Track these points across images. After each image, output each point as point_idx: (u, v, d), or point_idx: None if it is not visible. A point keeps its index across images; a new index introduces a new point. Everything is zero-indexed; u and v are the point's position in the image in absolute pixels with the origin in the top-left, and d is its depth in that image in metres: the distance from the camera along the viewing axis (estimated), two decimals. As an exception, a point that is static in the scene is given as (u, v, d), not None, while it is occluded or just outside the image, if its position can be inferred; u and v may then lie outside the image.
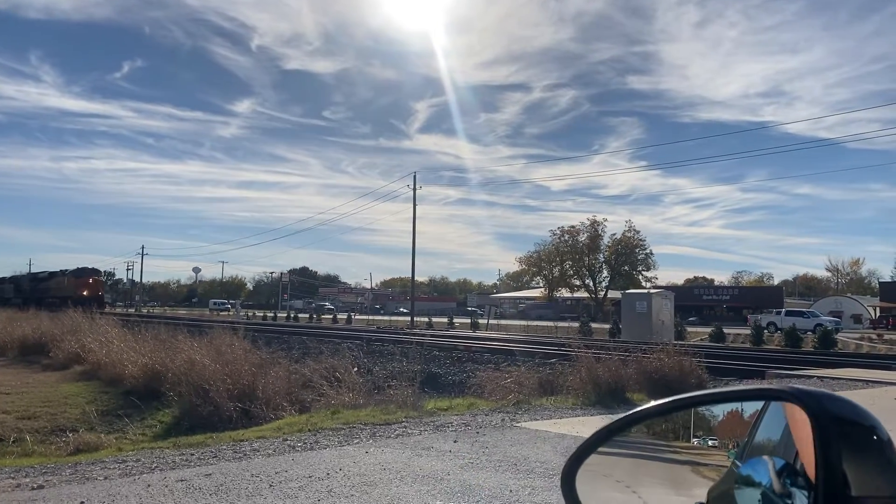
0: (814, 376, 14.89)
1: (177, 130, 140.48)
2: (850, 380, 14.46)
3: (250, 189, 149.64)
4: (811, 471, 0.89)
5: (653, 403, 1.17)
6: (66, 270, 78.23)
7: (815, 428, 0.91)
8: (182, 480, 6.14)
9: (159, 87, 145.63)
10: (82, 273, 77.41)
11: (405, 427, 8.96)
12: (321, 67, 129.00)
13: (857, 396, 11.67)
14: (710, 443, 1.12)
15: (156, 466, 6.85)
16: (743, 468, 0.99)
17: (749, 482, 0.96)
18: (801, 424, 0.93)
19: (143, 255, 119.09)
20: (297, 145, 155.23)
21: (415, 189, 62.43)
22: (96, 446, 11.14)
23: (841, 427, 0.90)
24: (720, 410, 1.12)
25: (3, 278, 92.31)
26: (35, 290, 77.28)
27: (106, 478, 6.40)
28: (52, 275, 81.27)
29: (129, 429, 13.70)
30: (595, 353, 12.62)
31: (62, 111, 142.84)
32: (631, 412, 1.18)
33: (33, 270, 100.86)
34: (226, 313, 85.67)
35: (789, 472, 0.94)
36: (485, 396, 12.99)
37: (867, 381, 14.20)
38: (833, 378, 14.70)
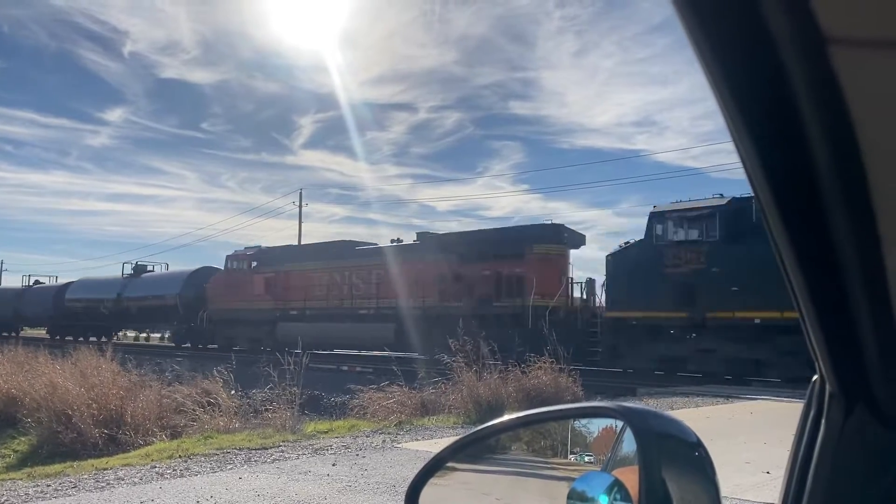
0: (687, 393, 15.62)
1: (40, 138, 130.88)
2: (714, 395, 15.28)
3: (122, 202, 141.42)
4: (637, 485, 0.94)
5: (497, 420, 1.20)
6: None
7: (639, 444, 0.96)
8: (35, 515, 5.69)
9: (19, 90, 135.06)
10: None
11: (282, 451, 8.71)
12: (199, 77, 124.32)
13: (722, 412, 12.34)
14: (586, 458, 1.15)
15: (5, 500, 6.33)
16: (576, 484, 1.02)
17: (582, 497, 1.00)
18: (629, 440, 0.99)
19: (1, 271, 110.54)
20: (173, 157, 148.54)
21: (300, 206, 61.38)
22: (-62, 480, 10.16)
23: (662, 443, 0.97)
24: (595, 427, 1.15)
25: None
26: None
27: (-54, 515, 5.85)
28: None
29: (-21, 460, 12.61)
30: (476, 372, 12.79)
31: None
32: (474, 431, 1.22)
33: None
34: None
35: (618, 486, 0.98)
36: (367, 418, 12.86)
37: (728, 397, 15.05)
38: (701, 394, 15.46)
